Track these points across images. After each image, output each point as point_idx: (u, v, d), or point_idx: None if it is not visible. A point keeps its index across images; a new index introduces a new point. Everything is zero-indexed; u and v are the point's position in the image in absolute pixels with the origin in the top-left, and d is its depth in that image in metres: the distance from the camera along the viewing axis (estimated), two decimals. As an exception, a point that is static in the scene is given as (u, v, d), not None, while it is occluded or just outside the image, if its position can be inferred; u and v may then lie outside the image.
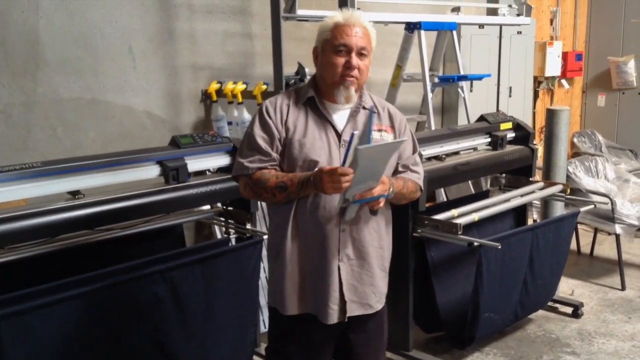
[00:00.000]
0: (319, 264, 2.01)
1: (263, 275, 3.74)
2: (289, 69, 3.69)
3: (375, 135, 2.02)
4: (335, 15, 2.00)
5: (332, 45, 1.98)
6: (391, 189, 1.96)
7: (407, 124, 2.19)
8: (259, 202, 3.13)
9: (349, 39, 1.96)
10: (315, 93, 2.04)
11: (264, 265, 3.75)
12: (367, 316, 2.10)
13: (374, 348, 2.18)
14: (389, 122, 2.11)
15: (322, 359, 2.15)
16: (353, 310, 2.05)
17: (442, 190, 4.80)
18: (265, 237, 2.78)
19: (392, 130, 2.11)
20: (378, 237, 2.08)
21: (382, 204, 1.95)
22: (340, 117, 2.04)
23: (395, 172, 2.13)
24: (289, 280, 2.04)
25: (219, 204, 3.11)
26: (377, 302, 2.12)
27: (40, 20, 3.30)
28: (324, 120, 2.03)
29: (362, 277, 2.06)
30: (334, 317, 2.03)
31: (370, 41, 2.01)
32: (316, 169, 1.91)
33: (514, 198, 3.64)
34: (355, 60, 1.96)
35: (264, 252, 3.62)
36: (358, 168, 1.77)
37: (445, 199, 4.78)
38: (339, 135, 2.01)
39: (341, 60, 1.97)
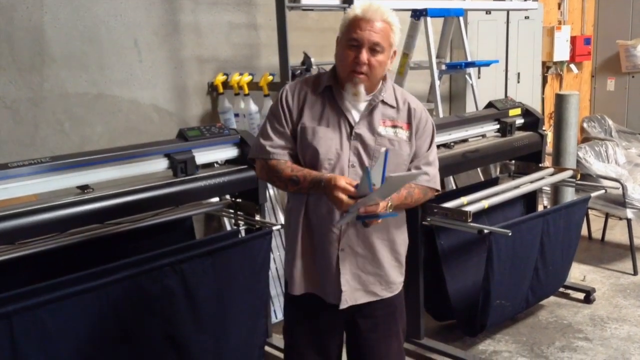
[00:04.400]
0: (323, 248, 2.04)
1: (273, 266, 3.75)
2: (294, 59, 3.67)
3: (389, 132, 2.01)
4: (356, 7, 1.96)
5: (346, 39, 1.95)
6: (389, 204, 1.93)
7: (430, 118, 2.12)
8: (267, 194, 3.13)
9: (361, 34, 1.91)
10: (334, 83, 2.03)
11: (274, 256, 3.77)
12: (374, 303, 2.11)
13: (384, 334, 2.18)
14: (406, 118, 2.06)
15: (331, 343, 2.18)
16: (357, 298, 2.08)
17: (451, 178, 4.79)
18: (275, 228, 2.81)
19: (409, 127, 2.05)
20: (386, 230, 2.08)
21: (378, 222, 1.93)
22: (358, 108, 2.02)
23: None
24: (298, 259, 2.08)
25: (228, 196, 3.11)
26: (385, 290, 2.12)
27: (45, 16, 3.30)
28: (339, 111, 2.01)
29: (366, 267, 2.07)
30: (335, 299, 2.06)
31: (387, 36, 1.94)
32: (331, 176, 1.89)
33: (523, 184, 3.62)
34: (364, 55, 1.92)
35: (274, 243, 3.64)
36: (378, 191, 1.79)
37: (454, 187, 4.77)
38: (351, 127, 2.00)
39: (351, 55, 1.93)
